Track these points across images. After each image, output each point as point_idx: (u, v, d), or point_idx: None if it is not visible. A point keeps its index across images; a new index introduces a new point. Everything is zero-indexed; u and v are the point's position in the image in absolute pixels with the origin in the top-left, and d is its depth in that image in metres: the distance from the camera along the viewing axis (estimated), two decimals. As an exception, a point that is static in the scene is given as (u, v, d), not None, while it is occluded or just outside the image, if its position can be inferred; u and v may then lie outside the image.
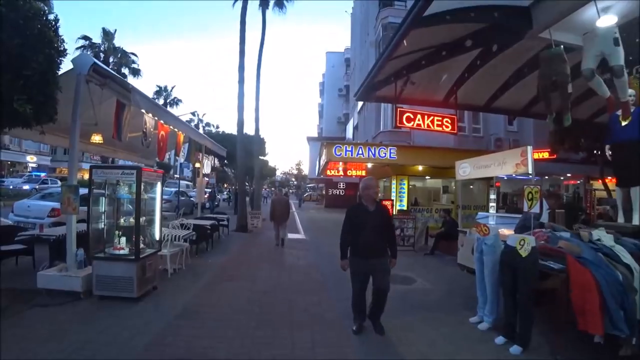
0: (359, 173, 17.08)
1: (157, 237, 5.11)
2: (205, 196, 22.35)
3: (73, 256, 4.56)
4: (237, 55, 12.39)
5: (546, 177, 17.46)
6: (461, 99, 7.62)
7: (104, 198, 4.84)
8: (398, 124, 6.82)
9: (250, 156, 20.95)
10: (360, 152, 13.12)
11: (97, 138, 7.16)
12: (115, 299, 4.33)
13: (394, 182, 14.60)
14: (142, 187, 4.65)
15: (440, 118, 7.13)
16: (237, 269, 6.59)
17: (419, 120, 6.98)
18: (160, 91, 38.32)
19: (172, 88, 40.34)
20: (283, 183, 77.36)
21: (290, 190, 40.96)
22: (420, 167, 14.34)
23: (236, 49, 12.48)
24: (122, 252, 4.61)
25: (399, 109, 6.78)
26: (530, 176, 4.77)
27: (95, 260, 4.46)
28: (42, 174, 40.87)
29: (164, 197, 17.66)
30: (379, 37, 17.62)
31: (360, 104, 21.74)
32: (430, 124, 6.98)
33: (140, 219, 4.63)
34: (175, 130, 7.70)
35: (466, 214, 15.67)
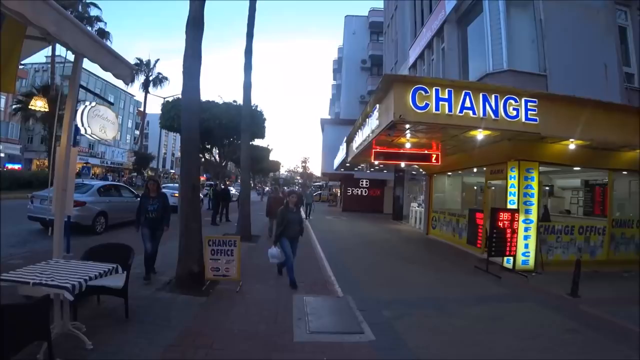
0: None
1: None
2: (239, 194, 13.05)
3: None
4: None
5: None
6: None
7: None
8: None
9: (233, 129, 12.40)
10: (467, 103, 5.91)
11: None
12: None
13: (513, 173, 7.35)
14: None
15: None
16: None
17: None
18: (139, 65, 31.25)
19: (156, 62, 33.41)
20: (288, 181, 70.58)
21: (298, 189, 33.93)
22: (572, 144, 7.07)
23: None
24: None
25: None
26: None
27: None
28: (17, 166, 33.81)
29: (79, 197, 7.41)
30: None
31: (413, 54, 14.17)
32: None
33: None
34: None
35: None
